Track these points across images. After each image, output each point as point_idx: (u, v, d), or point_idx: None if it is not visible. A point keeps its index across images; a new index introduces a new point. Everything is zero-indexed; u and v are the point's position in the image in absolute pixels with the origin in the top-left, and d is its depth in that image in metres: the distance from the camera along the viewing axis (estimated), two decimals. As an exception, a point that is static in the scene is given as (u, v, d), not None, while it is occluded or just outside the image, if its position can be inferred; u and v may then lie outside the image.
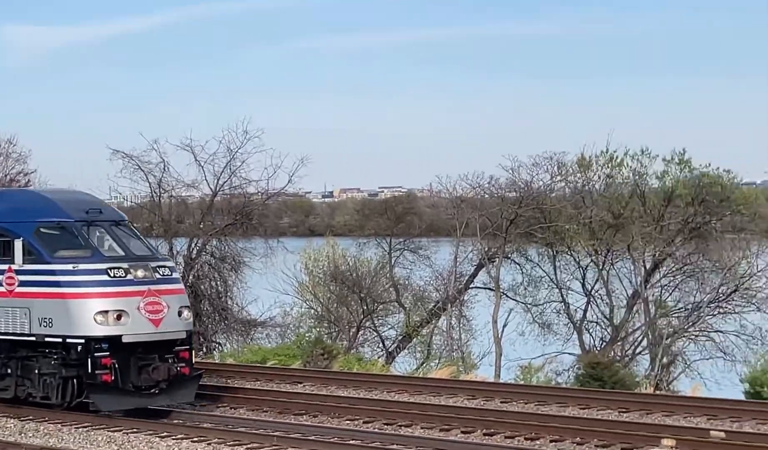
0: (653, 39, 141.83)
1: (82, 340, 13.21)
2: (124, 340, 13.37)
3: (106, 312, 13.31)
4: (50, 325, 13.55)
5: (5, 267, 14.25)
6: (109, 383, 13.29)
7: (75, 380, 13.76)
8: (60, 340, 13.47)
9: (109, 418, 13.53)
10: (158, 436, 12.48)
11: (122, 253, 14.31)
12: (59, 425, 13.28)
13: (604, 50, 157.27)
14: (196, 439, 12.36)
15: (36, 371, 14.07)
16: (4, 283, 14.23)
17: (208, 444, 12.08)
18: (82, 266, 13.55)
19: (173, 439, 12.36)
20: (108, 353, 13.31)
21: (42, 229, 14.29)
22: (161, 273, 14.27)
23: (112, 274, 13.61)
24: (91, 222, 14.64)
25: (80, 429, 13.07)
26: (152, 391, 13.80)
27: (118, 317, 13.35)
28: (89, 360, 13.21)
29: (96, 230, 14.62)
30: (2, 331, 14.24)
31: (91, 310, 13.26)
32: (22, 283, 14.01)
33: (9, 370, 14.48)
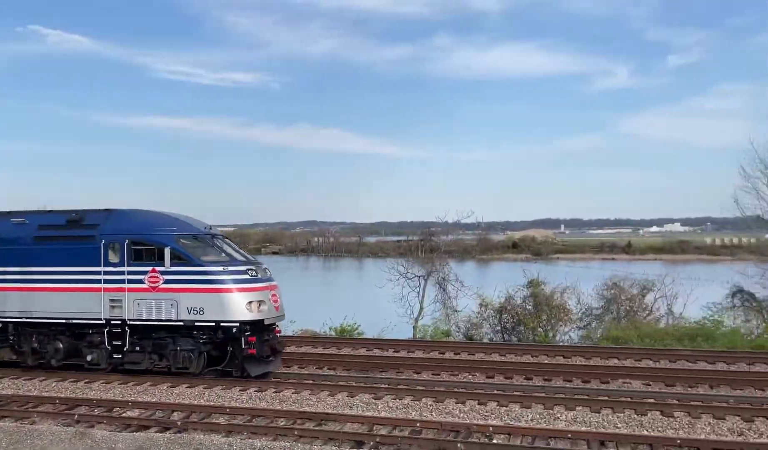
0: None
1: (237, 324, 17.82)
2: (265, 322, 18.26)
3: (252, 302, 18.04)
4: (201, 312, 17.90)
5: (148, 269, 18.20)
6: (254, 355, 18.07)
7: (206, 354, 18.32)
8: (213, 324, 17.89)
9: (252, 381, 18.15)
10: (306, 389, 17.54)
11: (243, 259, 19.04)
12: (227, 390, 17.59)
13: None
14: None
15: (175, 349, 18.26)
16: (147, 282, 18.16)
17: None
18: (230, 268, 18.13)
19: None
20: (252, 333, 18.09)
21: (182, 240, 18.46)
22: (268, 273, 19.22)
23: (250, 274, 18.35)
24: (213, 235, 19.21)
25: (250, 391, 17.46)
26: (269, 358, 18.75)
27: (260, 305, 18.16)
28: (242, 338, 17.89)
29: (216, 241, 19.15)
30: (145, 318, 18.17)
31: (243, 300, 17.91)
32: (168, 281, 18.10)
33: (145, 349, 18.48)
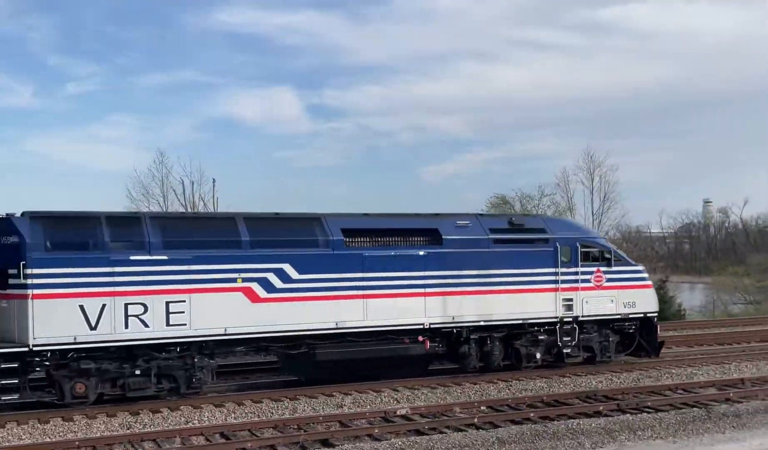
0: None
1: (655, 314, 21.83)
2: (651, 312, 22.90)
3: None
4: (633, 306, 21.44)
5: (593, 269, 20.53)
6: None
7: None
8: (641, 315, 21.55)
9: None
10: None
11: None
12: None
13: None
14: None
15: (600, 340, 21.44)
16: (593, 281, 20.48)
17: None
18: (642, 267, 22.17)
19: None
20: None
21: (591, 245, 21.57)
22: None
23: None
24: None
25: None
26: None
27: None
28: (657, 326, 22.01)
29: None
30: (592, 314, 20.53)
31: (655, 295, 22.06)
32: (610, 280, 21.01)
33: (583, 342, 21.15)
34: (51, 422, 16.26)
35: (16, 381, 16.19)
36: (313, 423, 16.00)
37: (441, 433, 15.01)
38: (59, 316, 16.12)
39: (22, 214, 16.76)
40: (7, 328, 16.47)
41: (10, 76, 71.20)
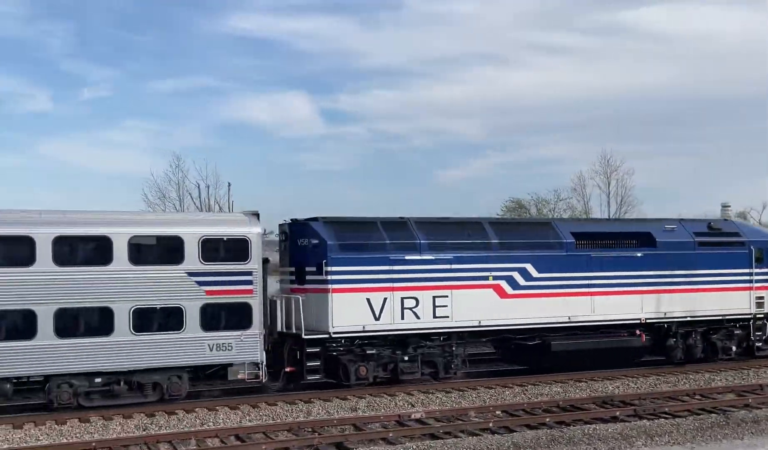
0: None
1: None
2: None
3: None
4: None
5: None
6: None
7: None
8: None
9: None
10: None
11: None
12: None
13: None
14: None
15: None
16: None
17: None
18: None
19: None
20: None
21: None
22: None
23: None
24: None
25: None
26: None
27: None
28: None
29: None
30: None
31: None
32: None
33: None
34: (68, 423, 16.38)
35: (319, 363, 18.97)
36: (328, 426, 16.01)
37: (455, 437, 14.97)
38: (351, 308, 18.87)
39: (315, 219, 19.63)
40: (303, 318, 18.81)
41: (28, 81, 71.74)
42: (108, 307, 16.99)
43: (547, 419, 16.34)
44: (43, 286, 16.56)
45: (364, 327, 19.00)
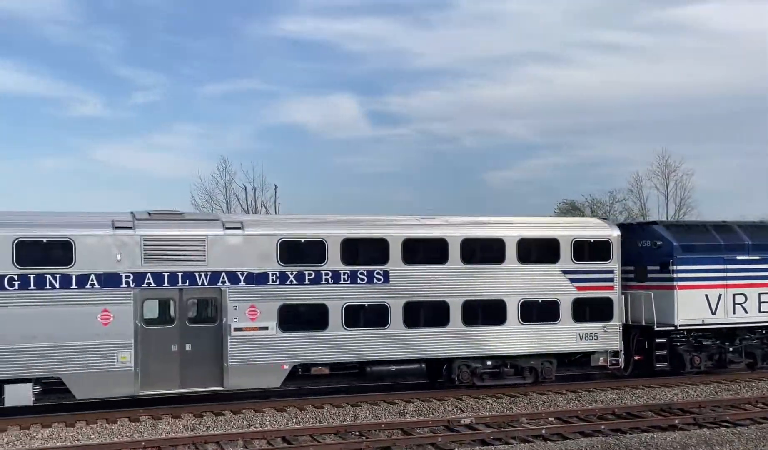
0: None
1: None
2: None
3: None
4: None
5: None
6: None
7: None
8: None
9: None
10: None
11: None
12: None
13: None
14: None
15: None
16: None
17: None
18: None
19: None
20: None
21: None
22: None
23: None
24: None
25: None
26: None
27: None
28: None
29: None
30: None
31: None
32: None
33: None
34: (118, 422, 16.54)
35: (665, 352, 21.24)
36: (375, 430, 15.78)
37: (507, 443, 14.60)
38: (692, 303, 21.11)
39: (655, 222, 22.73)
40: (641, 312, 21.14)
41: (82, 87, 73.70)
42: (502, 300, 19.60)
43: (602, 427, 15.81)
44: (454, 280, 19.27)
45: (703, 320, 21.34)
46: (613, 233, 20.90)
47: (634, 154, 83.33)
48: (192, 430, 15.92)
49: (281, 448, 14.44)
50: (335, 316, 18.24)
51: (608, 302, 20.45)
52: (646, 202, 56.29)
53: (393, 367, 18.93)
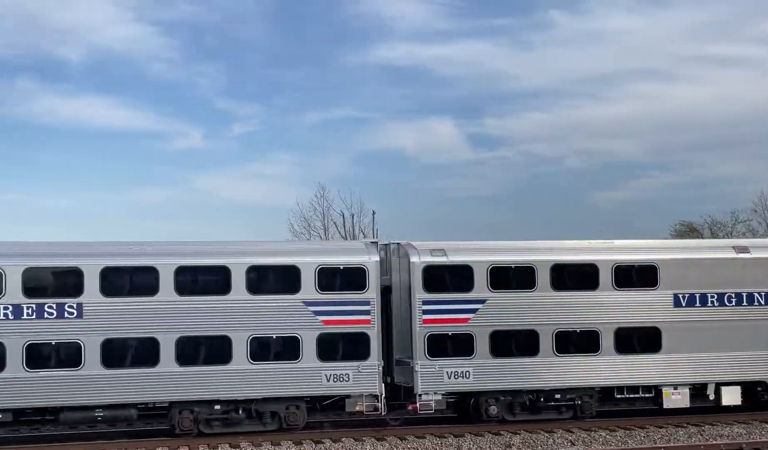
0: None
1: None
2: None
3: None
4: None
5: None
6: None
7: None
8: None
9: None
10: None
11: None
12: None
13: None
14: None
15: None
16: None
17: None
18: None
19: None
20: None
21: None
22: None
23: None
24: None
25: None
26: None
27: None
28: None
29: None
30: None
31: None
32: None
33: None
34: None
35: None
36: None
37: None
38: None
39: None
40: None
41: (183, 120, 77.18)
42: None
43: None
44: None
45: None
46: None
47: (755, 171, 78.65)
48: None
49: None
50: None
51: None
52: (772, 223, 52.59)
53: None
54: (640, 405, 19.89)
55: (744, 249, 20.22)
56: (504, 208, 71.61)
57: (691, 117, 75.44)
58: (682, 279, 19.29)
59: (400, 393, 18.70)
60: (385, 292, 18.58)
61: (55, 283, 16.87)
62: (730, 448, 15.85)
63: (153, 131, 72.29)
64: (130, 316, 16.75)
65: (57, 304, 16.49)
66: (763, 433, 17.45)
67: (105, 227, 62.32)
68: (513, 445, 16.61)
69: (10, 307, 16.26)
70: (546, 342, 18.45)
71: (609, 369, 18.72)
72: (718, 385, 19.30)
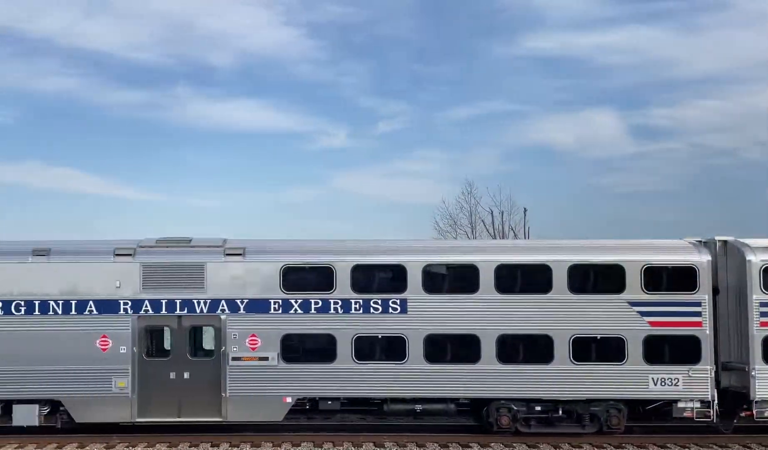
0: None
1: None
2: None
3: None
4: None
5: None
6: None
7: None
8: None
9: None
10: None
11: None
12: None
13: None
14: None
15: None
16: None
17: None
18: None
19: None
20: None
21: None
22: None
23: None
24: None
25: None
26: None
27: None
28: None
29: None
30: None
31: None
32: None
33: None
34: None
35: None
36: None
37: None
38: None
39: None
40: None
41: (329, 120, 73.63)
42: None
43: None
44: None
45: None
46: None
47: None
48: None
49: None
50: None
51: None
52: None
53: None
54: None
55: None
56: (672, 204, 62.92)
57: None
58: None
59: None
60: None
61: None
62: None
63: (299, 132, 71.12)
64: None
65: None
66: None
67: (259, 225, 60.40)
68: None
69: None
70: None
71: None
72: None
